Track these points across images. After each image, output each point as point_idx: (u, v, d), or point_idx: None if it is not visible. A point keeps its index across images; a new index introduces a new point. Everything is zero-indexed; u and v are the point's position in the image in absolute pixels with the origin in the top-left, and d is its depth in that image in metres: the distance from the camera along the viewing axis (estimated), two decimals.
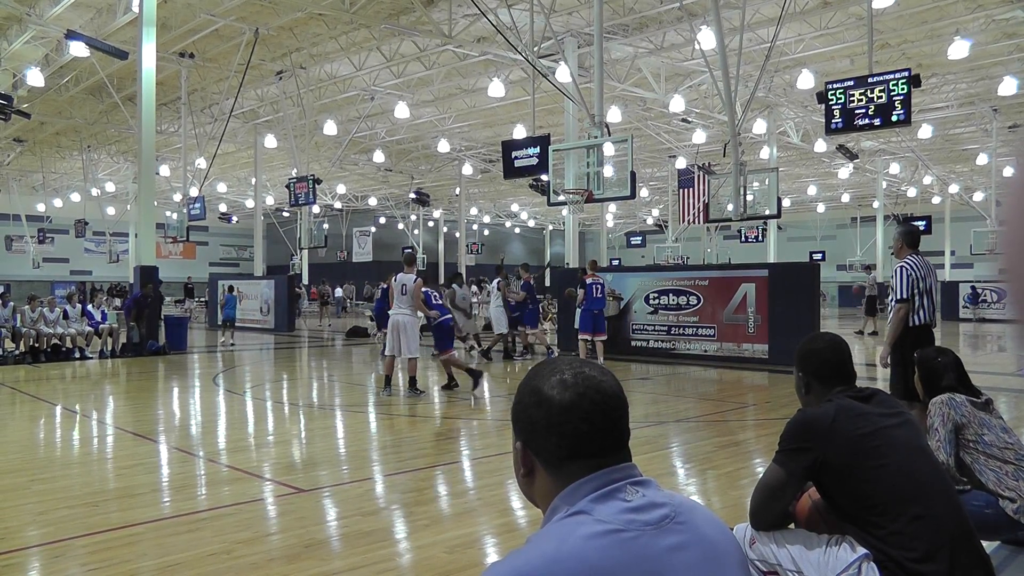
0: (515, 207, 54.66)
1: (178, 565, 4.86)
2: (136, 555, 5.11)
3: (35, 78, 21.49)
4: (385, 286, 16.16)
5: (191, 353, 20.03)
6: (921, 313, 7.17)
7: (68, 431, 10.33)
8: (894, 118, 13.29)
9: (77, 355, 18.62)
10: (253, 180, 34.15)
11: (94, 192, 39.73)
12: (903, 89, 13.16)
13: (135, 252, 30.53)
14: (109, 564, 4.90)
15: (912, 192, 40.94)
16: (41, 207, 44.32)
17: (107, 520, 5.86)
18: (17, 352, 18.05)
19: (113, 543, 5.32)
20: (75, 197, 42.89)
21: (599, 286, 15.95)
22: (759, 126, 27.17)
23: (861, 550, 2.75)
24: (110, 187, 42.83)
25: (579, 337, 15.94)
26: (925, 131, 27.51)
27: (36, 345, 18.02)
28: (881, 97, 13.27)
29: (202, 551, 5.11)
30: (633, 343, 17.63)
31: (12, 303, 18.75)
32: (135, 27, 19.15)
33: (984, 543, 2.95)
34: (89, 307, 20.12)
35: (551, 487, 1.50)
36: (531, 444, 1.52)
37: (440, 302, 13.36)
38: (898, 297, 7.19)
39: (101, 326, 19.34)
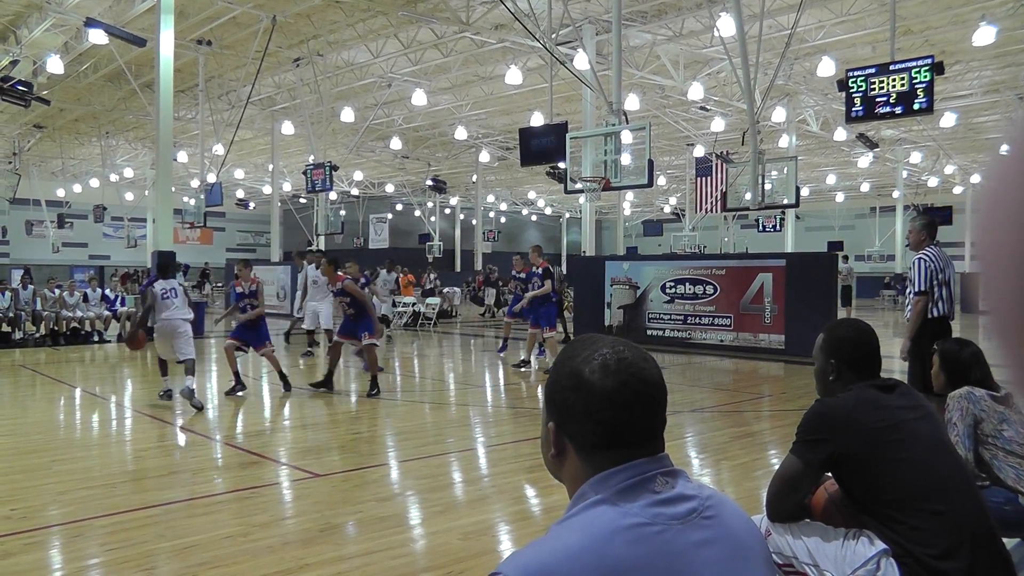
0: (532, 194, 54.53)
1: (195, 547, 4.90)
2: (153, 536, 5.15)
3: (55, 65, 21.57)
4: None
5: (208, 337, 20.11)
6: (940, 304, 7.12)
7: (87, 413, 10.42)
8: (916, 106, 13.10)
9: (96, 338, 18.80)
10: (270, 167, 34.19)
11: (112, 178, 39.88)
12: (926, 76, 12.96)
13: (152, 237, 30.65)
14: (127, 544, 4.94)
15: (933, 182, 40.56)
16: (60, 192, 44.50)
17: (126, 501, 5.92)
18: (38, 335, 18.26)
19: (131, 524, 5.36)
20: (94, 183, 43.05)
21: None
22: (778, 114, 26.95)
23: (880, 545, 2.71)
24: (128, 173, 42.96)
25: (548, 335, 14.02)
26: (948, 120, 27.18)
27: (56, 328, 18.22)
28: (903, 85, 13.09)
29: (218, 533, 5.15)
30: (649, 332, 17.57)
31: (32, 286, 18.93)
32: (153, 15, 19.19)
33: (1003, 540, 2.91)
34: (107, 291, 20.28)
35: (581, 472, 1.46)
36: (565, 427, 1.48)
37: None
38: (918, 289, 7.13)
39: (119, 310, 19.51)
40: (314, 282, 15.58)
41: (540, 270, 14.11)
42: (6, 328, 17.87)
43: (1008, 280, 0.60)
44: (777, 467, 3.05)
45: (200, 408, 9.78)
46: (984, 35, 18.42)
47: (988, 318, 0.63)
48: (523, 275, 15.56)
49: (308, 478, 6.70)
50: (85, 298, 19.08)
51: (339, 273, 11.27)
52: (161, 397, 10.46)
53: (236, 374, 11.10)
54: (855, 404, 2.87)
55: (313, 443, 8.45)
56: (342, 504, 6.03)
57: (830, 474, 3.01)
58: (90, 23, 18.41)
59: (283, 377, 11.32)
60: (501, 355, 16.07)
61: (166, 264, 11.35)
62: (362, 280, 13.49)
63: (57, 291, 18.48)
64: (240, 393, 11.00)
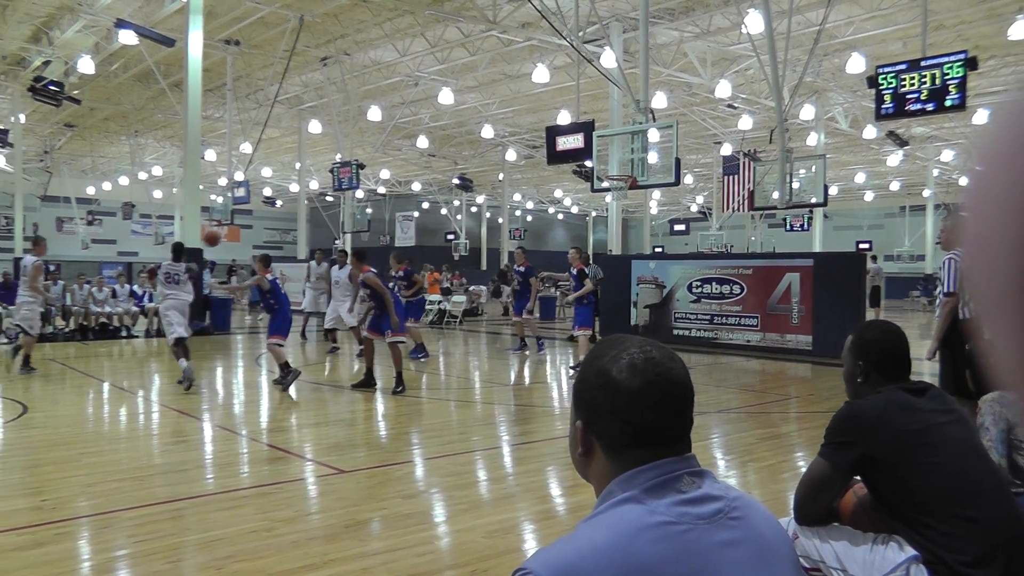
0: (558, 193, 54.43)
1: (220, 540, 4.93)
2: (180, 529, 5.19)
3: (86, 65, 21.81)
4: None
5: (235, 334, 20.27)
6: (972, 305, 7.01)
7: (116, 407, 10.52)
8: (948, 103, 12.90)
9: (124, 333, 18.98)
10: (297, 165, 34.37)
11: (141, 176, 40.27)
12: (958, 72, 12.74)
13: (180, 234, 30.91)
14: (154, 537, 4.98)
15: (965, 180, 40.05)
16: (90, 190, 44.96)
17: (152, 494, 5.97)
18: (67, 329, 18.48)
19: (158, 516, 5.41)
20: (123, 180, 43.49)
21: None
22: (807, 112, 26.73)
23: (910, 551, 2.67)
24: (157, 171, 43.38)
25: (581, 333, 14.08)
26: (981, 116, 26.76)
27: (85, 323, 18.44)
28: (935, 81, 12.89)
29: (243, 527, 5.17)
30: (675, 332, 17.48)
31: (62, 282, 19.17)
32: (182, 15, 19.36)
33: None
34: (135, 287, 20.48)
35: (608, 470, 1.47)
36: (592, 426, 1.49)
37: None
38: (946, 290, 7.03)
39: (147, 306, 19.69)
40: (336, 282, 15.64)
41: (575, 271, 14.21)
42: None
43: (998, 268, 0.58)
44: (805, 470, 3.01)
45: (192, 382, 10.82)
46: (1021, 29, 18.03)
47: (978, 307, 0.61)
48: (522, 269, 16.28)
49: (333, 474, 6.72)
50: (114, 294, 19.30)
51: (364, 265, 11.31)
52: (184, 386, 10.83)
53: (282, 366, 11.26)
54: (885, 407, 2.83)
55: (338, 439, 8.47)
56: (367, 501, 6.04)
57: (859, 477, 2.97)
58: (120, 24, 18.62)
59: (282, 368, 11.28)
60: (516, 353, 16.18)
61: (179, 248, 12.12)
62: (402, 272, 13.64)
63: (87, 287, 18.69)
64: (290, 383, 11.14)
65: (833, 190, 38.20)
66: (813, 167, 17.53)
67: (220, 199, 26.46)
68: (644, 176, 15.45)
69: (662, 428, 1.44)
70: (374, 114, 27.45)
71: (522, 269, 16.41)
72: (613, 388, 1.45)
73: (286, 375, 11.04)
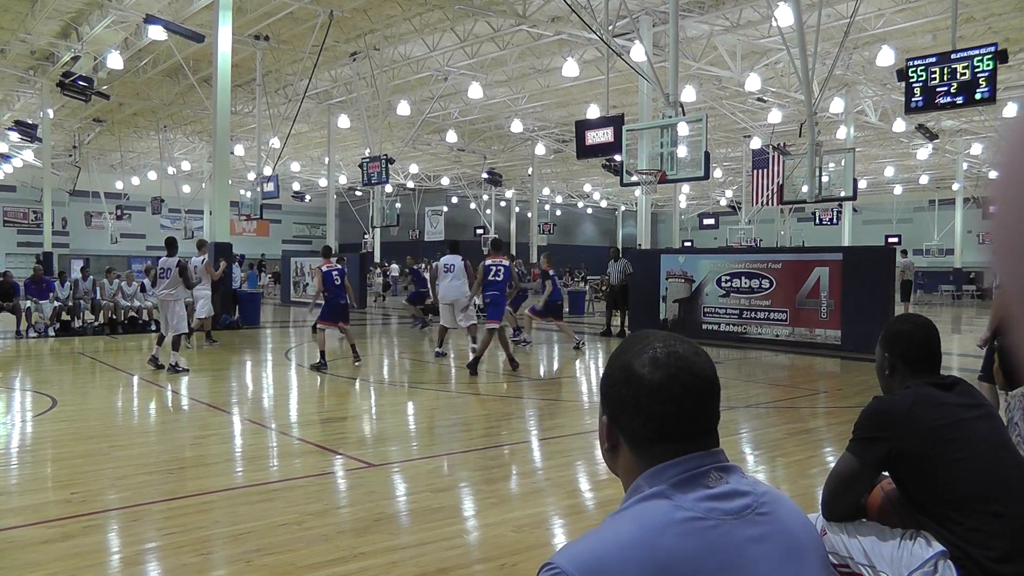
0: (588, 187, 54.33)
1: (249, 533, 4.95)
2: (209, 522, 5.22)
3: (115, 61, 21.99)
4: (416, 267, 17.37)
5: (264, 328, 20.39)
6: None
7: (145, 400, 10.60)
8: (978, 96, 12.75)
9: (153, 327, 19.12)
10: (326, 160, 34.52)
11: (170, 171, 40.58)
12: (988, 65, 12.60)
13: (209, 229, 31.15)
14: (183, 530, 5.02)
15: (991, 173, 39.53)
16: (119, 185, 45.31)
17: (182, 487, 6.02)
18: (96, 323, 18.68)
19: (187, 509, 5.45)
20: (152, 175, 43.89)
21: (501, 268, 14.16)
22: (836, 105, 26.54)
23: (937, 546, 2.65)
24: (186, 166, 43.72)
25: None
26: (1011, 110, 26.46)
27: (114, 317, 18.61)
28: (964, 74, 12.73)
29: (273, 521, 5.20)
30: (704, 326, 17.41)
31: (92, 277, 19.35)
32: (212, 11, 19.47)
33: None
34: None
35: (635, 465, 1.47)
36: (617, 420, 1.49)
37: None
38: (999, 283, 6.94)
39: None
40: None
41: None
42: (66, 317, 18.35)
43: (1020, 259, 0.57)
44: (833, 465, 2.99)
45: (185, 371, 12.08)
46: None
47: (1007, 300, 0.60)
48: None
49: (362, 468, 6.74)
50: (143, 288, 19.45)
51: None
52: (149, 363, 12.57)
53: (353, 348, 13.41)
54: (913, 401, 2.81)
55: (368, 433, 8.51)
56: (396, 494, 6.06)
57: (887, 473, 2.94)
58: (149, 20, 18.77)
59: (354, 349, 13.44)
60: (515, 342, 16.33)
61: (172, 242, 13.18)
62: (414, 267, 14.04)
63: (116, 281, 18.85)
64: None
65: (862, 184, 37.81)
66: (842, 161, 17.41)
67: (249, 194, 26.66)
68: (673, 170, 15.40)
69: (685, 422, 1.44)
70: (403, 109, 27.51)
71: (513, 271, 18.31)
72: (636, 382, 1.45)
73: (321, 364, 12.42)
